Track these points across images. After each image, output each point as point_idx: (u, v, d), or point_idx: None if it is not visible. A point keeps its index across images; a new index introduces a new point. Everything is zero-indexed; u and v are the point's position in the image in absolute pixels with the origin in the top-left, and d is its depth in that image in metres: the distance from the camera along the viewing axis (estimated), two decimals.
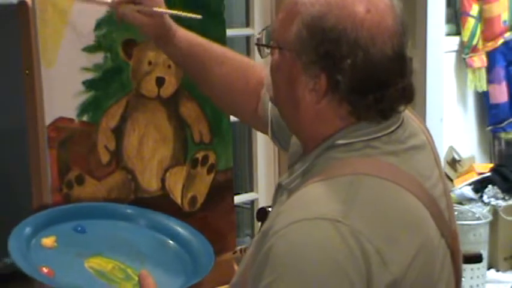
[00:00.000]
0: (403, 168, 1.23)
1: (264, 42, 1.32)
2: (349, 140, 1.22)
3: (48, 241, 1.55)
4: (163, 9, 1.59)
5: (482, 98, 4.26)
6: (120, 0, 1.58)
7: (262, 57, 1.34)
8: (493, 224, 3.29)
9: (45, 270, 1.45)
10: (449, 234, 1.29)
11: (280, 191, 1.32)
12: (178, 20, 1.64)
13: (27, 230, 1.54)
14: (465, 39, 4.09)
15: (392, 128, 1.25)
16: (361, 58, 1.17)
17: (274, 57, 1.28)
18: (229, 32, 2.05)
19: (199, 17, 1.64)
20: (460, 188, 3.53)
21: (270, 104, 1.54)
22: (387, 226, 1.16)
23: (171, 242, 1.66)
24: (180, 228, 1.69)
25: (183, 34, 1.65)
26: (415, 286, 1.18)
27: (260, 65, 1.70)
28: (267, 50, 1.31)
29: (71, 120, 1.75)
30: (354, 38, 1.17)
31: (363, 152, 1.22)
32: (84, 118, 1.77)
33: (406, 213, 1.20)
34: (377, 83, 1.19)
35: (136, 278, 1.44)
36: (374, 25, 1.18)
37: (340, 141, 1.22)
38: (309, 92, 1.22)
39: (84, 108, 1.76)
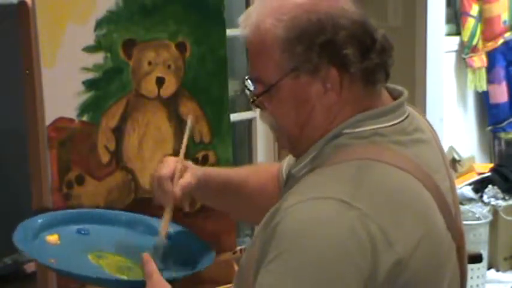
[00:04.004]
0: (411, 158, 1.24)
1: (255, 91, 1.30)
2: (355, 129, 1.24)
3: (51, 238, 1.57)
4: (181, 155, 1.58)
5: (482, 98, 4.27)
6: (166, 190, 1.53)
7: (262, 109, 1.32)
8: (493, 224, 3.29)
9: (51, 260, 1.48)
10: (456, 230, 1.29)
11: (290, 180, 1.34)
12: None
13: (32, 227, 1.57)
14: (465, 39, 4.09)
15: (399, 120, 1.27)
16: (348, 25, 1.22)
17: (272, 101, 1.28)
18: (229, 32, 2.05)
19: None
20: (460, 188, 3.53)
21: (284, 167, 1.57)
22: (393, 209, 1.18)
23: (171, 245, 1.67)
24: (178, 232, 1.70)
25: (208, 170, 1.65)
26: (421, 271, 1.19)
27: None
28: (264, 99, 1.29)
29: (71, 120, 1.75)
30: (331, 16, 1.22)
31: (371, 140, 1.24)
32: (84, 118, 1.77)
33: (413, 198, 1.22)
34: (370, 38, 1.24)
35: (139, 271, 1.46)
36: None
37: (347, 130, 1.25)
38: (325, 95, 1.24)
39: (84, 108, 1.76)
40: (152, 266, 1.38)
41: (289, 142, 1.32)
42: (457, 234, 1.30)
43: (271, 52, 1.24)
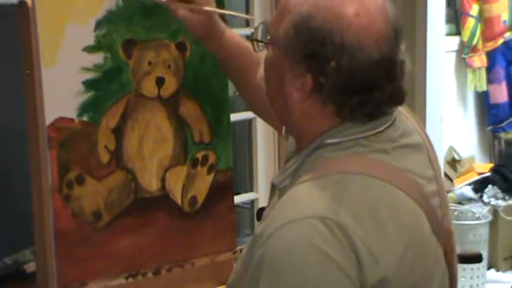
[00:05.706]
0: (393, 165, 1.24)
1: (258, 37, 1.33)
2: (338, 139, 1.23)
3: None
4: (213, 9, 1.64)
5: (482, 98, 4.27)
6: None
7: (255, 51, 1.35)
8: (493, 224, 3.28)
9: None
10: (442, 232, 1.29)
11: (274, 191, 1.34)
12: None
13: None
14: (465, 39, 4.09)
15: (382, 128, 1.25)
16: (346, 61, 1.17)
17: (268, 52, 1.30)
18: None
19: (252, 17, 1.67)
20: (460, 188, 3.53)
21: None
22: (376, 222, 1.17)
23: None
24: None
25: (230, 35, 1.68)
26: (406, 283, 1.19)
27: None
28: (261, 44, 1.32)
29: (71, 120, 1.75)
30: (340, 41, 1.17)
31: (352, 151, 1.22)
32: (84, 118, 1.77)
33: (395, 209, 1.21)
34: (362, 86, 1.19)
35: None
36: (362, 29, 1.18)
37: (329, 141, 1.23)
38: (296, 91, 1.23)
39: (84, 108, 1.76)
40: None
41: (270, 101, 1.33)
42: (444, 236, 1.30)
43: (283, 18, 1.23)
